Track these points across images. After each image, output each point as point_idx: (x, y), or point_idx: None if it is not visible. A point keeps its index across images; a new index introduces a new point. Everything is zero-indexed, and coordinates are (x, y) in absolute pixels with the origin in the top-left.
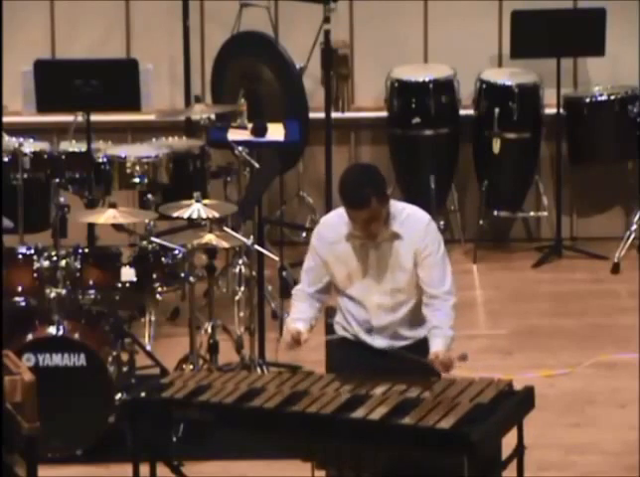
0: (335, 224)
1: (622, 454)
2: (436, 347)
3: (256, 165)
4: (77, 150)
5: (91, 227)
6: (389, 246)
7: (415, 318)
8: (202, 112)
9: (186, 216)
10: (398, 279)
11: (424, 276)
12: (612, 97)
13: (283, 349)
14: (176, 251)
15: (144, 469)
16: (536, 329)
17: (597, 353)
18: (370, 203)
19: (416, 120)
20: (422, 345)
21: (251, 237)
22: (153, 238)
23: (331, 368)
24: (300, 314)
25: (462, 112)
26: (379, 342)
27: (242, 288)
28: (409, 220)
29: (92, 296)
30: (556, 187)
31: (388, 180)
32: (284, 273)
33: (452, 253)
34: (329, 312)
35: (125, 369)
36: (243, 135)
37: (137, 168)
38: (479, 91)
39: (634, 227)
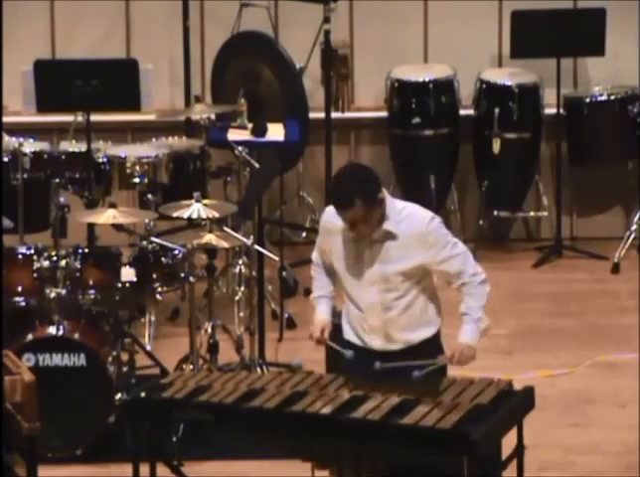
0: (335, 215)
1: (622, 454)
2: (462, 337)
3: (256, 165)
4: (77, 150)
5: (91, 227)
6: (381, 246)
7: (409, 321)
8: (202, 112)
9: (186, 216)
10: (389, 279)
11: (449, 276)
12: (612, 97)
13: (313, 342)
14: (176, 251)
15: (144, 469)
16: (536, 329)
17: (597, 353)
18: (353, 204)
19: (416, 120)
20: (415, 351)
21: (251, 237)
22: (153, 238)
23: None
24: (322, 290)
25: (462, 112)
26: (375, 343)
27: (242, 288)
28: (408, 220)
29: (92, 296)
30: (556, 187)
31: (387, 180)
32: (284, 273)
33: None
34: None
35: (125, 369)
36: (243, 135)
37: (137, 168)
38: (479, 91)
39: (634, 227)
